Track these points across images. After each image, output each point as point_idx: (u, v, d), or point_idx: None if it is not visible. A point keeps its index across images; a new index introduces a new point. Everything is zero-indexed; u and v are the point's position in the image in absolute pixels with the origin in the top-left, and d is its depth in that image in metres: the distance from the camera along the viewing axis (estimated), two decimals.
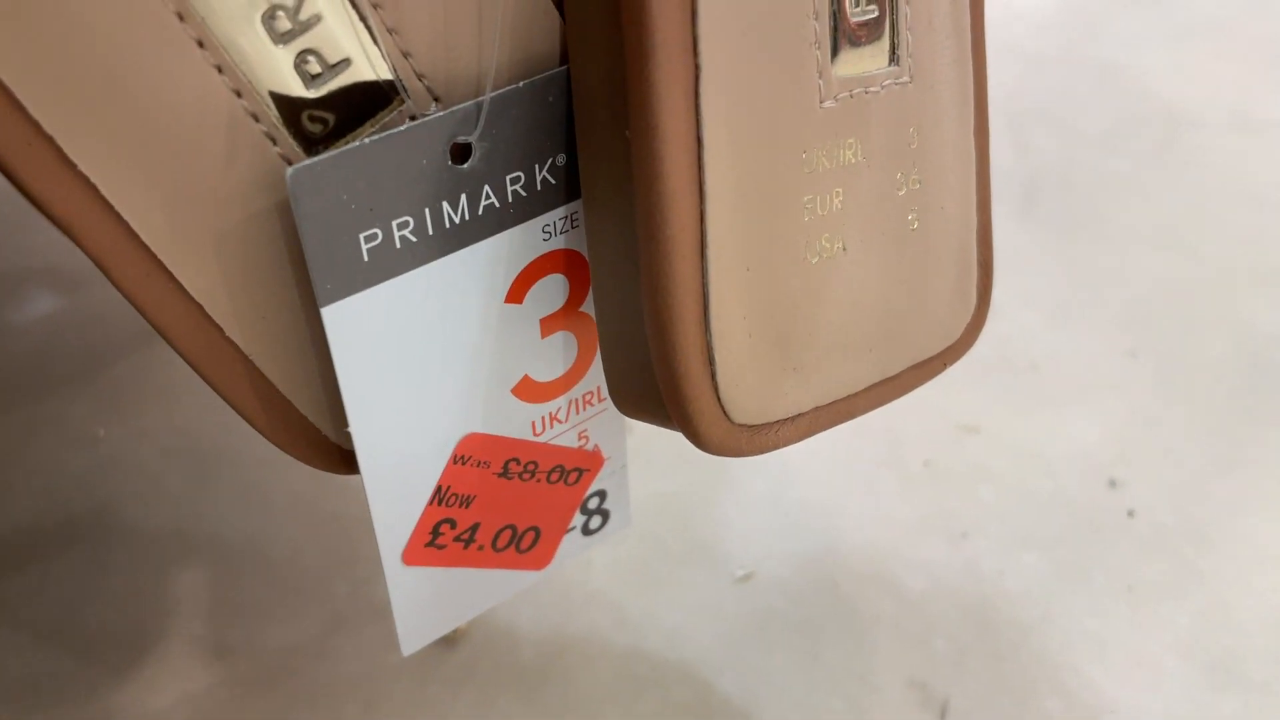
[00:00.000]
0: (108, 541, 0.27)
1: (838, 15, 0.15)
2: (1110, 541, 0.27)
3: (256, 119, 0.14)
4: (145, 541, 0.27)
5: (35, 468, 0.29)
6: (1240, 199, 0.38)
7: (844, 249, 0.16)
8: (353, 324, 0.15)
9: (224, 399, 0.16)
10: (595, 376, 0.18)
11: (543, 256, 0.16)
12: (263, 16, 0.13)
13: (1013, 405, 0.30)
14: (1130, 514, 0.27)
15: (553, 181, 0.16)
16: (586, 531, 0.20)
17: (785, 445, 0.16)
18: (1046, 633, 0.25)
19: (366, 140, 0.14)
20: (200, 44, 0.13)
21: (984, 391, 0.31)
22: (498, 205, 0.15)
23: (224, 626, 0.25)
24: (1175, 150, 0.40)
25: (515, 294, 0.16)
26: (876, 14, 0.16)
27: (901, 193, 0.17)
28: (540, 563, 0.20)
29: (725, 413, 0.15)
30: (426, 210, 0.15)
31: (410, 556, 0.17)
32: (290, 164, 0.14)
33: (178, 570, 0.26)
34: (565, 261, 0.17)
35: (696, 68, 0.14)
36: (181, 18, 0.13)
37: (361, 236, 0.14)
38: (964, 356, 0.20)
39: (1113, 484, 0.28)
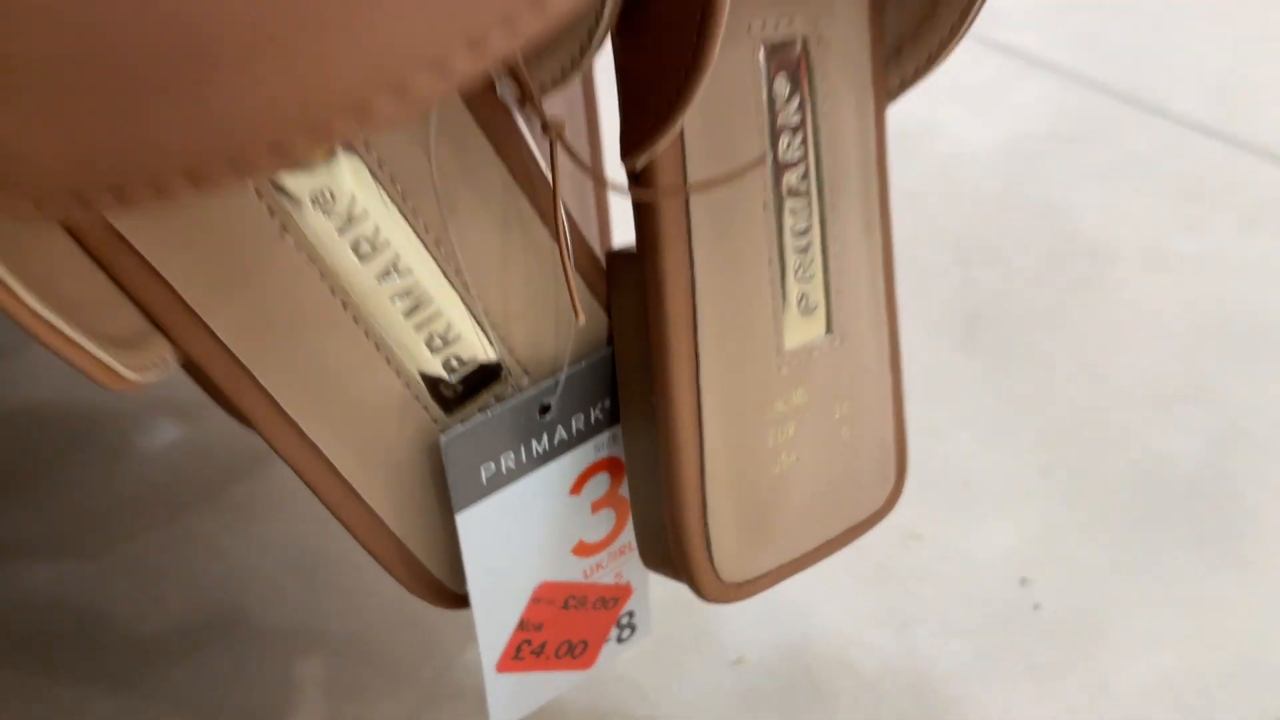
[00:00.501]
0: (243, 637, 0.34)
1: (784, 308, 0.23)
2: (1019, 630, 0.34)
3: (413, 393, 0.22)
4: (272, 636, 0.34)
5: (178, 579, 0.36)
6: (1147, 330, 0.46)
7: (798, 460, 0.24)
8: (474, 522, 0.23)
9: (380, 564, 0.24)
10: (627, 535, 0.26)
11: (594, 463, 0.24)
12: (426, 340, 0.21)
13: (949, 515, 0.38)
14: (1036, 607, 0.35)
15: (601, 417, 0.24)
16: (620, 640, 0.28)
17: (760, 593, 0.24)
18: (968, 705, 0.32)
19: (490, 414, 0.22)
20: (388, 361, 0.21)
21: (927, 504, 0.38)
22: (566, 437, 0.23)
23: (340, 704, 0.32)
24: (1095, 285, 0.48)
25: (576, 488, 0.24)
26: (818, 305, 0.24)
27: (837, 416, 0.24)
28: (588, 664, 0.27)
29: (718, 575, 0.23)
30: (521, 446, 0.23)
31: (501, 667, 0.25)
32: (435, 421, 0.22)
33: (299, 659, 0.34)
34: (609, 465, 0.24)
35: (697, 361, 0.22)
36: (377, 347, 0.21)
37: (481, 468, 0.22)
38: (899, 500, 0.28)
39: (1023, 582, 0.36)
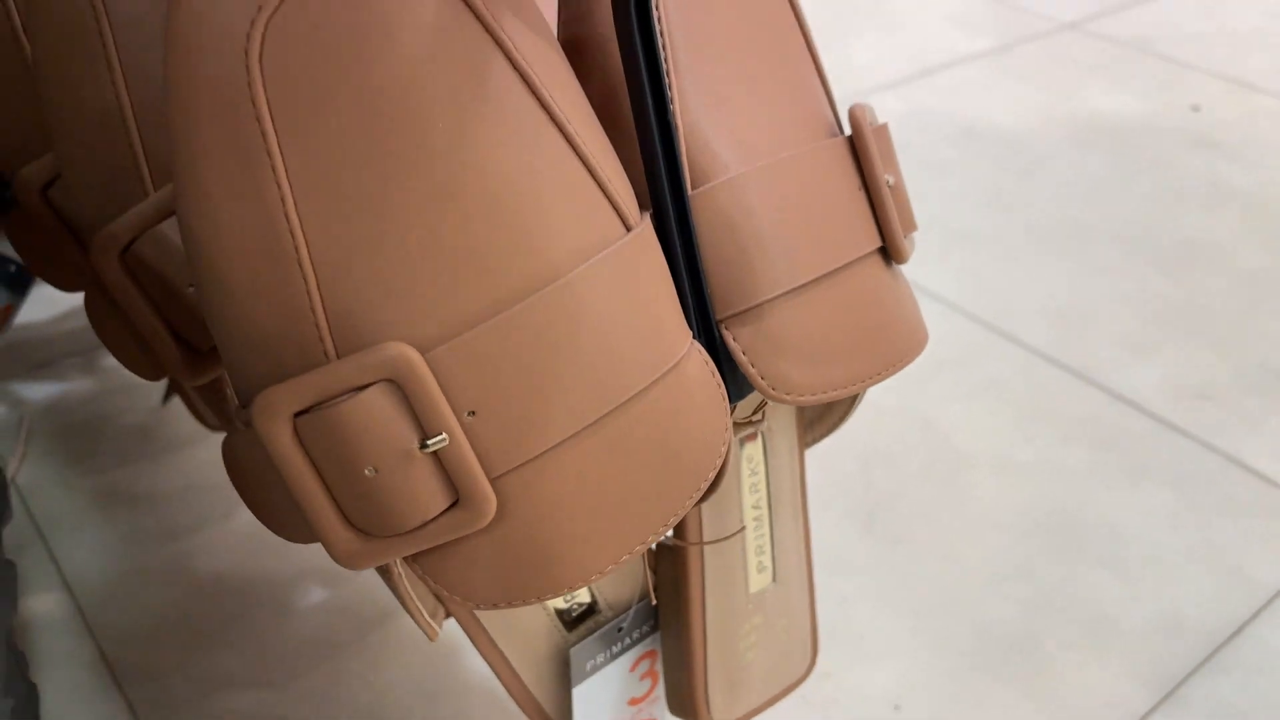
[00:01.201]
0: None
1: (748, 571, 0.42)
2: None
3: (551, 621, 0.41)
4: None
5: (339, 703, 0.54)
6: (989, 523, 0.66)
7: (757, 653, 0.43)
8: (582, 692, 0.41)
9: (522, 709, 0.42)
10: (659, 692, 0.45)
11: (644, 653, 0.43)
12: (556, 612, 0.41)
13: (848, 661, 0.57)
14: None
15: (648, 629, 0.43)
16: None
17: None
18: None
19: (592, 636, 0.41)
20: (542, 606, 0.40)
21: (835, 651, 0.58)
22: (630, 641, 0.42)
23: None
24: (957, 486, 0.68)
25: (633, 668, 0.43)
26: (767, 567, 0.43)
27: (779, 626, 0.44)
28: None
29: (712, 717, 0.42)
30: (609, 649, 0.42)
31: None
32: (562, 635, 0.41)
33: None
34: (650, 654, 0.44)
35: (704, 605, 0.41)
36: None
37: (588, 663, 0.41)
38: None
39: (896, 708, 0.55)
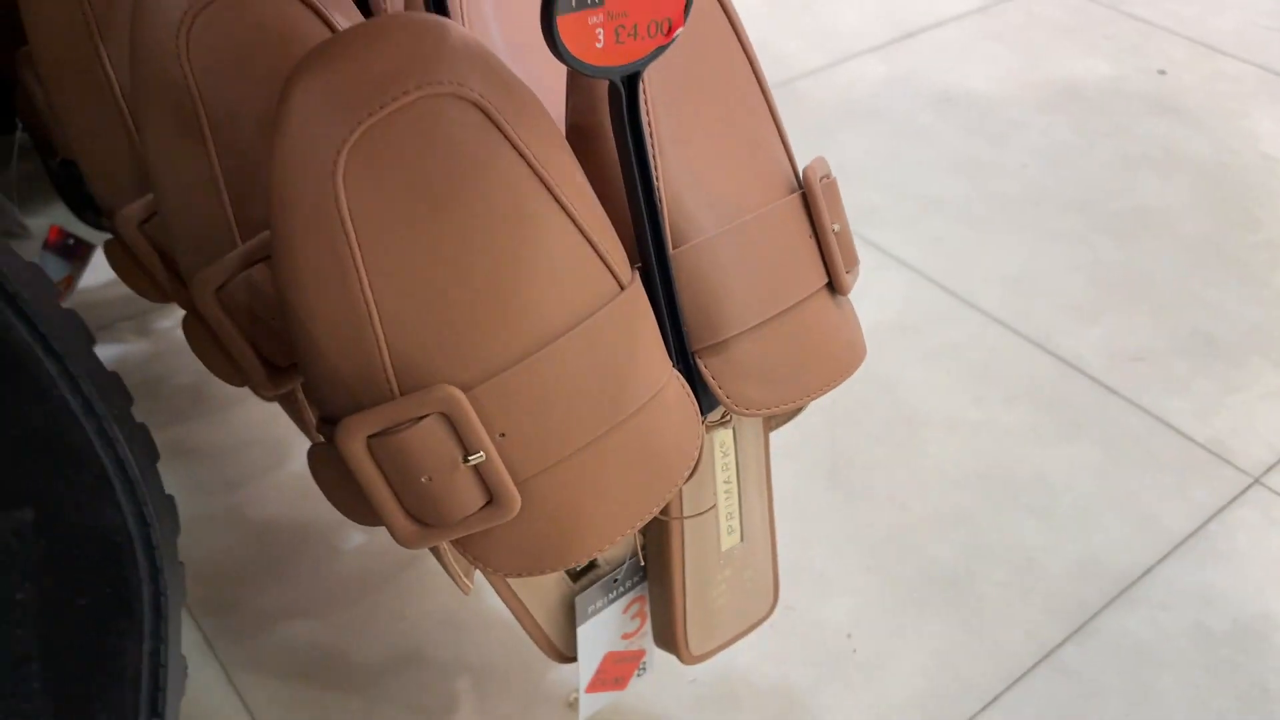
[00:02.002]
0: (417, 664, 0.63)
1: (720, 532, 0.52)
2: (843, 662, 0.64)
3: (561, 573, 0.50)
4: (437, 663, 0.63)
5: (377, 630, 0.64)
6: (938, 476, 0.76)
7: (727, 598, 0.53)
8: (586, 630, 0.51)
9: (535, 642, 0.52)
10: (646, 628, 0.55)
11: (636, 597, 0.53)
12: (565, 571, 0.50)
13: (809, 595, 0.67)
14: (854, 650, 0.65)
15: (639, 579, 0.53)
16: (638, 675, 0.56)
17: (709, 659, 0.53)
18: (816, 693, 0.62)
19: (593, 587, 0.50)
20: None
21: (798, 587, 0.68)
22: (624, 590, 0.52)
23: (490, 699, 0.61)
24: (911, 443, 0.78)
25: (626, 609, 0.53)
26: (735, 529, 0.52)
27: (745, 575, 0.53)
28: (623, 687, 0.56)
29: (690, 651, 0.52)
30: (606, 596, 0.51)
31: (589, 689, 0.54)
32: (570, 584, 0.51)
33: (457, 677, 0.62)
34: (640, 599, 0.53)
35: (684, 560, 0.51)
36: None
37: (589, 607, 0.51)
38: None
39: (849, 636, 0.65)
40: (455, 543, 0.40)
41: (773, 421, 0.53)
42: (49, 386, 0.27)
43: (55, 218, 0.93)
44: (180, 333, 0.48)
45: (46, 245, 0.81)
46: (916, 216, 0.99)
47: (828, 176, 0.46)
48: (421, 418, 0.36)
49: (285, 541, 0.69)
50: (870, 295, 0.90)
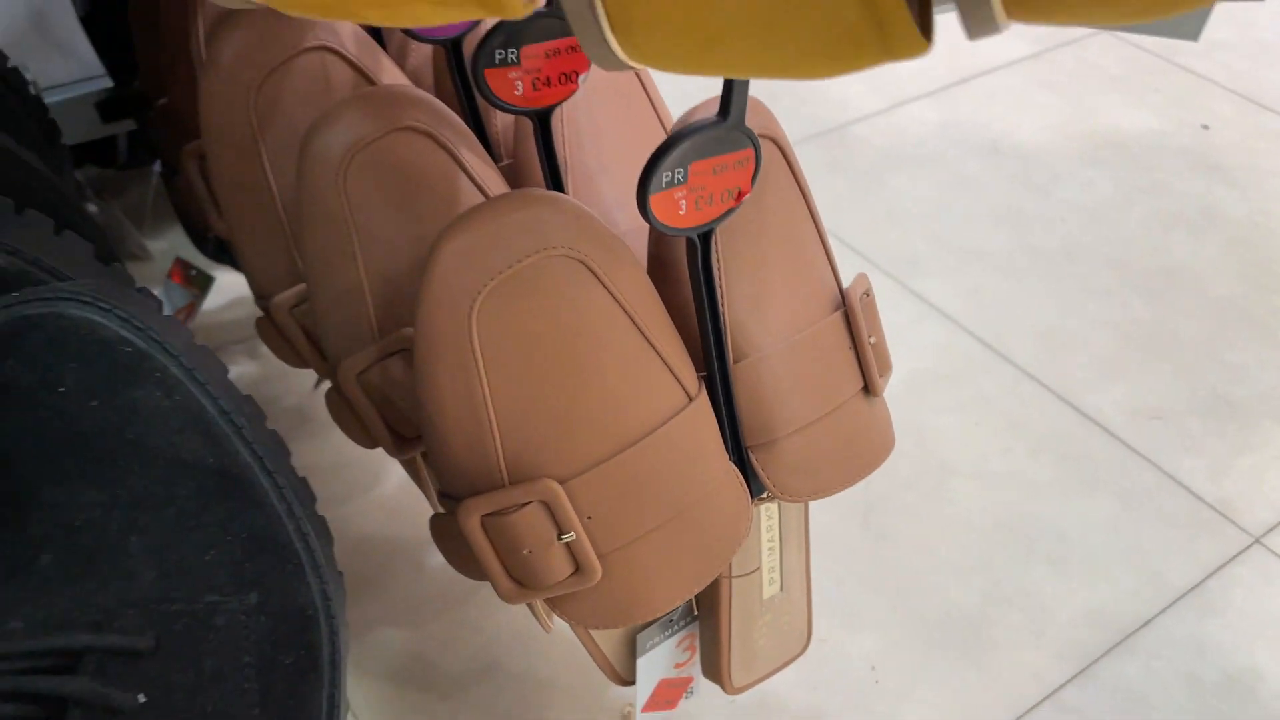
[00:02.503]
0: (498, 674, 0.72)
1: (762, 584, 0.60)
2: (866, 693, 0.73)
3: None
4: (513, 674, 0.72)
5: (460, 643, 0.74)
6: (963, 523, 0.83)
7: (766, 640, 0.61)
8: (644, 662, 0.60)
9: (600, 668, 0.61)
10: (695, 659, 0.63)
11: (687, 634, 0.62)
12: None
13: (839, 629, 0.76)
14: (877, 682, 0.73)
15: (690, 620, 0.62)
16: (686, 698, 0.65)
17: (748, 690, 0.62)
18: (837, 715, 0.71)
19: (655, 624, 0.59)
20: None
21: (830, 621, 0.76)
22: (677, 629, 0.61)
23: (559, 710, 0.70)
24: (939, 491, 0.86)
25: (679, 645, 0.62)
26: (776, 580, 0.61)
27: (783, 621, 0.62)
28: (672, 707, 0.65)
29: (732, 684, 0.61)
30: (663, 633, 0.60)
31: (645, 709, 0.63)
32: (635, 626, 0.60)
33: (535, 689, 0.71)
34: (689, 636, 0.62)
35: (730, 607, 0.59)
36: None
37: (649, 643, 0.60)
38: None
39: (873, 668, 0.74)
40: (546, 600, 0.49)
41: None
42: (263, 497, 0.37)
43: (175, 242, 1.03)
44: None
45: (170, 277, 0.92)
46: (958, 267, 1.07)
47: (868, 294, 0.54)
48: (526, 504, 0.45)
49: (378, 556, 0.79)
50: (909, 344, 0.98)
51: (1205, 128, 1.27)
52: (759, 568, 0.58)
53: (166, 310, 0.90)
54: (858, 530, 0.82)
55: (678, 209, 0.44)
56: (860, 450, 0.53)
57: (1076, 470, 0.88)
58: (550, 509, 0.45)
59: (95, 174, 1.05)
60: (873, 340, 0.54)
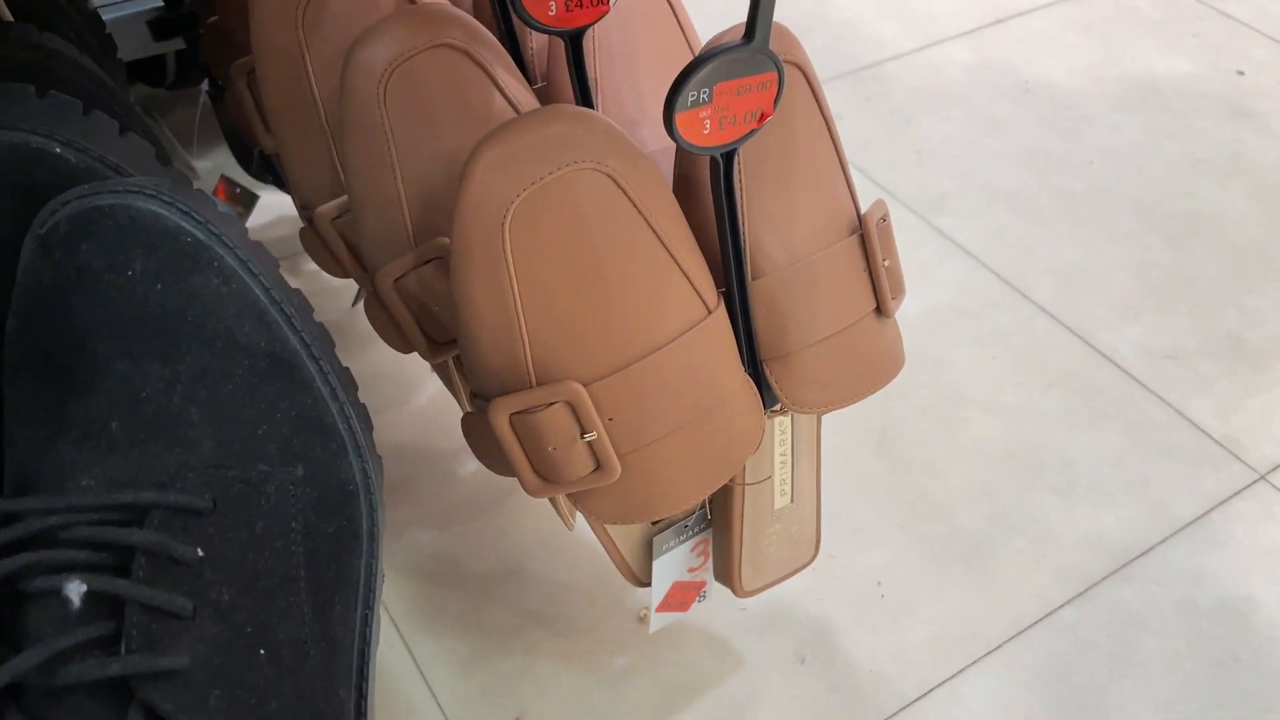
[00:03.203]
0: (521, 576, 0.76)
1: (774, 495, 0.64)
2: (872, 606, 0.76)
3: None
4: (537, 576, 0.76)
5: (484, 546, 0.78)
6: (973, 452, 0.86)
7: (776, 546, 0.65)
8: (660, 564, 0.64)
9: (618, 569, 0.65)
10: (708, 564, 0.67)
11: (701, 539, 0.65)
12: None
13: (849, 547, 0.79)
14: (883, 596, 0.77)
15: (705, 526, 0.65)
16: (700, 600, 0.69)
17: (760, 593, 0.65)
18: (844, 637, 0.74)
19: (670, 529, 0.63)
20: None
21: (839, 539, 0.79)
22: (693, 534, 0.64)
23: (581, 607, 0.74)
24: (952, 421, 0.88)
25: (694, 549, 0.65)
26: (787, 492, 0.64)
27: (793, 529, 0.65)
28: (686, 609, 0.68)
29: (743, 586, 0.64)
30: (678, 538, 0.64)
31: (659, 609, 0.66)
32: (651, 529, 0.63)
33: (555, 592, 0.76)
34: (704, 540, 0.66)
35: (743, 515, 0.63)
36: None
37: (664, 545, 0.64)
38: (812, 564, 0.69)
39: (879, 584, 0.77)
40: (568, 495, 0.52)
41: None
42: (310, 380, 0.40)
43: (215, 161, 1.07)
44: (325, 275, 0.62)
45: (214, 194, 0.95)
46: (983, 207, 1.08)
47: (884, 219, 0.57)
48: (552, 404, 0.49)
49: (412, 463, 0.83)
50: (932, 279, 1.00)
51: (1240, 74, 1.27)
52: (770, 477, 0.61)
53: None
54: (871, 455, 0.85)
55: (702, 128, 0.47)
56: (870, 367, 0.56)
57: (1087, 405, 0.90)
58: (574, 409, 0.49)
59: (145, 95, 1.08)
60: (887, 264, 0.56)
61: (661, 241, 0.49)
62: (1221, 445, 0.87)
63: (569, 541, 0.78)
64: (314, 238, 0.62)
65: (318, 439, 0.39)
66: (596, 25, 0.59)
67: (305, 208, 0.62)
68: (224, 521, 0.36)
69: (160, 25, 0.85)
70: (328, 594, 0.38)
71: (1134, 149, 1.16)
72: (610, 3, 0.55)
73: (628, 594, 0.75)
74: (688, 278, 0.50)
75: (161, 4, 0.88)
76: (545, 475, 0.51)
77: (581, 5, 0.54)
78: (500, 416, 0.49)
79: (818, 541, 0.68)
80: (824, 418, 0.77)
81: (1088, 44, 1.31)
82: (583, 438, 0.49)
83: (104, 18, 0.86)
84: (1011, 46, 1.30)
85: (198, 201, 0.39)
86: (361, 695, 0.39)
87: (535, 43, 0.63)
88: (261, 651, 0.35)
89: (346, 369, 0.44)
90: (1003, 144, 1.16)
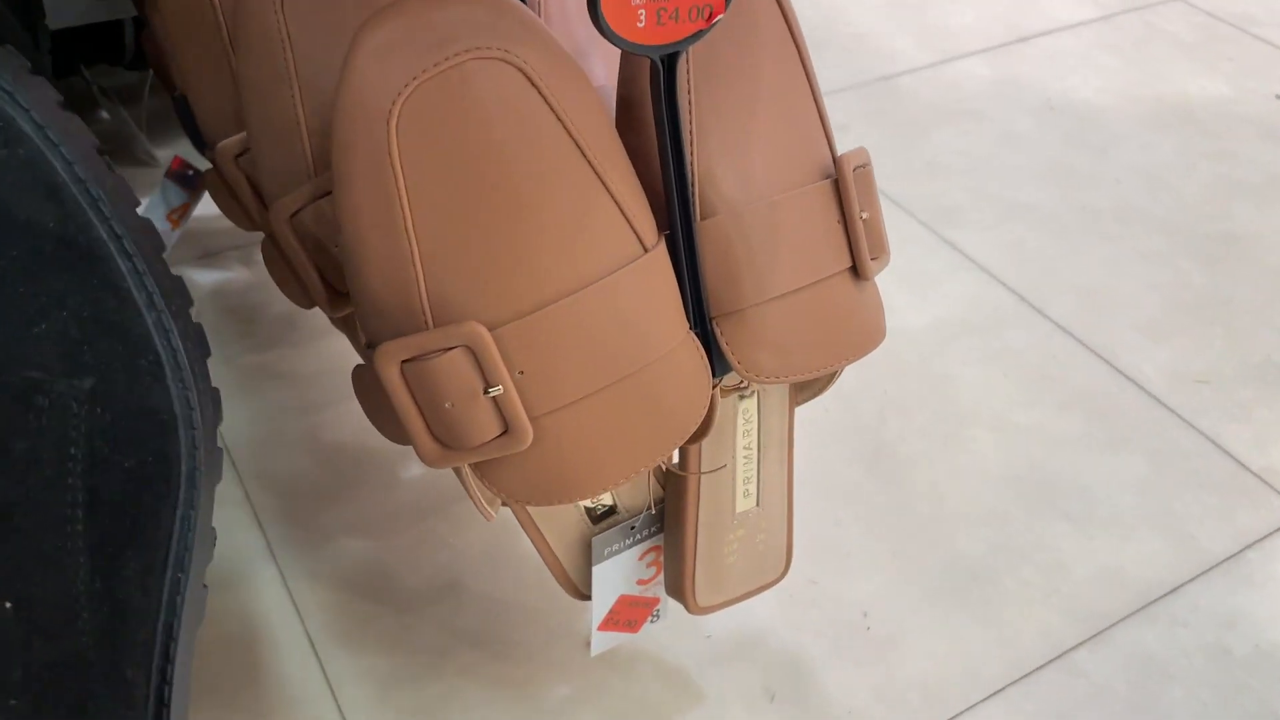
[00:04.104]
0: (458, 591, 0.67)
1: (735, 495, 0.55)
2: (855, 638, 0.67)
3: (580, 514, 0.54)
4: (476, 593, 0.67)
5: (424, 557, 0.69)
6: (976, 473, 0.77)
7: (737, 557, 0.56)
8: (601, 571, 0.55)
9: (555, 579, 0.56)
10: (660, 577, 0.58)
11: (651, 546, 0.56)
12: (586, 511, 0.54)
13: (833, 573, 0.70)
14: (868, 628, 0.67)
15: (656, 529, 0.56)
16: (651, 621, 0.60)
17: (715, 613, 0.56)
18: (824, 666, 0.65)
19: (611, 530, 0.54)
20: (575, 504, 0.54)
21: (822, 564, 0.70)
22: (640, 537, 0.56)
23: (518, 629, 0.65)
24: (956, 439, 0.79)
25: (641, 557, 0.57)
26: (752, 492, 0.55)
27: (758, 539, 0.56)
28: (636, 630, 0.59)
29: (696, 603, 0.55)
30: (623, 540, 0.55)
31: (601, 628, 0.57)
32: (589, 526, 0.54)
33: (494, 612, 0.67)
34: (655, 549, 0.57)
35: (698, 518, 0.54)
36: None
37: (606, 549, 0.55)
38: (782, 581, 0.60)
39: (865, 614, 0.68)
40: (475, 470, 0.44)
41: (799, 396, 0.56)
42: (119, 281, 0.32)
43: (179, 149, 1.00)
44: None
45: (168, 174, 0.88)
46: (999, 220, 1.00)
47: (863, 166, 0.49)
48: (449, 349, 0.40)
49: (351, 465, 0.75)
50: (939, 291, 0.92)
51: (1278, 97, 1.19)
52: (728, 468, 0.52)
53: (162, 208, 0.86)
54: (863, 472, 0.76)
55: (635, 19, 0.39)
56: (839, 334, 0.48)
57: (1107, 428, 0.81)
58: (476, 356, 0.41)
59: (113, 84, 1.02)
60: (865, 216, 0.48)
61: (585, 157, 0.41)
62: (1259, 477, 0.78)
63: (516, 557, 0.70)
64: (216, 179, 0.54)
65: (119, 350, 0.31)
66: None
67: (209, 147, 0.55)
68: None
69: None
70: (117, 546, 0.30)
71: (1166, 169, 1.08)
72: None
73: (576, 617, 0.66)
74: (619, 206, 0.42)
75: None
76: (443, 440, 0.42)
77: None
78: (389, 364, 0.41)
79: (788, 557, 0.59)
80: (812, 429, 0.68)
81: (1118, 64, 1.23)
82: (486, 393, 0.41)
83: None
84: (1036, 64, 1.23)
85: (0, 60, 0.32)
86: (165, 681, 0.31)
87: None
88: (7, 604, 0.27)
89: (179, 278, 0.37)
90: (1023, 159, 1.08)
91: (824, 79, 1.19)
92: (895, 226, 0.98)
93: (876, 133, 1.11)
